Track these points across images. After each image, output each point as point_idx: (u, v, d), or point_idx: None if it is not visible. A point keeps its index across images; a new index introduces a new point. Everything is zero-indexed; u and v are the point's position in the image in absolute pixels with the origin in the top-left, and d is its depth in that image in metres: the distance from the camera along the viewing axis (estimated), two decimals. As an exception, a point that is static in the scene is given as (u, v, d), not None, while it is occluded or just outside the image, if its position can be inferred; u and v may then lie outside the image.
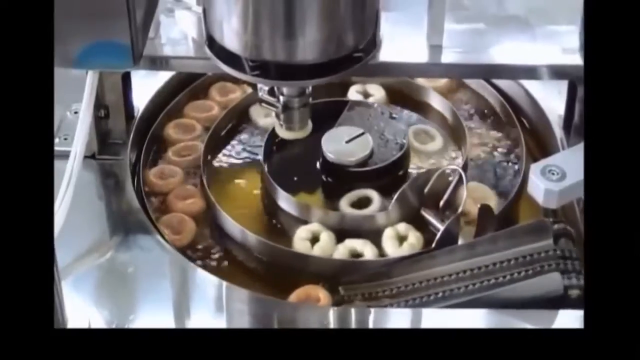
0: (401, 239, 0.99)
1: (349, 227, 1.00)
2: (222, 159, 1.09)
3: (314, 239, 0.99)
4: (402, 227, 1.00)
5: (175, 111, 1.13)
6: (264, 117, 1.11)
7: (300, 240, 0.99)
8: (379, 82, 1.15)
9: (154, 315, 0.91)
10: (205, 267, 0.97)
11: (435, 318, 0.90)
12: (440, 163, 1.07)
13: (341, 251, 0.98)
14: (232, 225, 1.00)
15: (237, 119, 1.13)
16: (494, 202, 1.02)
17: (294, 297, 0.93)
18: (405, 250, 0.98)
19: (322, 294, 0.93)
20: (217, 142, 1.10)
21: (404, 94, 1.15)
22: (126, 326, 0.89)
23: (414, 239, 0.98)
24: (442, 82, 1.15)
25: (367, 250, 0.98)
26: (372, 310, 0.91)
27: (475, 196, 1.02)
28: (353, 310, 0.91)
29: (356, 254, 0.98)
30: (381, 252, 0.98)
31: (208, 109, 1.13)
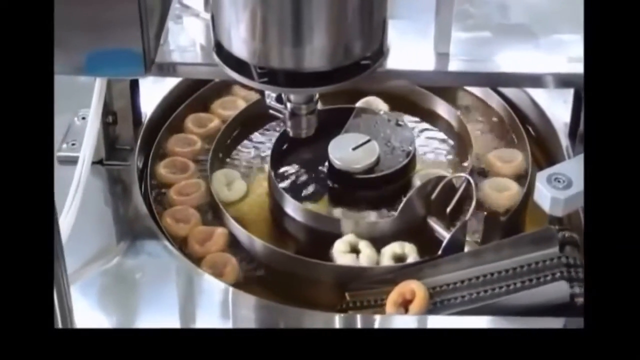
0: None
1: (357, 234, 1.01)
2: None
3: (354, 250, 0.99)
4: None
5: (183, 115, 1.14)
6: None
7: (341, 253, 0.98)
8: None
9: (160, 321, 0.91)
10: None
11: (441, 325, 0.90)
12: (447, 170, 1.07)
13: (386, 257, 0.98)
14: (242, 234, 1.01)
15: (230, 141, 1.12)
16: (515, 190, 1.03)
17: (392, 296, 0.93)
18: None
19: (415, 286, 0.92)
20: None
21: (410, 101, 1.15)
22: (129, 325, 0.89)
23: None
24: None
25: (408, 249, 0.98)
26: (378, 317, 0.91)
27: (495, 185, 1.04)
28: (358, 317, 0.91)
29: (399, 257, 0.98)
30: (421, 252, 0.98)
31: (191, 142, 1.11)
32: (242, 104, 1.14)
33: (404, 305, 0.92)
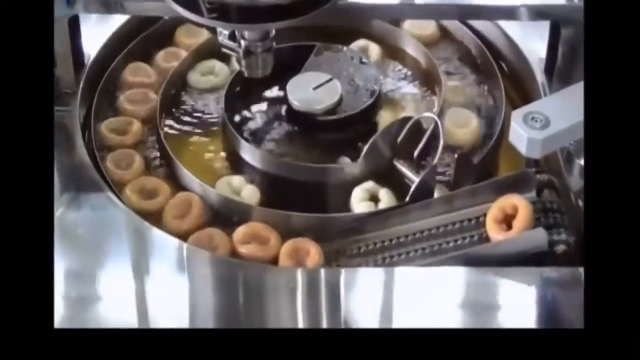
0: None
1: (318, 180, 0.96)
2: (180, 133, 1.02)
3: (373, 198, 0.94)
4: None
5: (130, 57, 1.08)
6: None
7: (360, 202, 0.93)
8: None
9: (108, 276, 0.86)
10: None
11: (410, 278, 0.85)
12: (415, 111, 1.02)
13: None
14: (197, 185, 0.95)
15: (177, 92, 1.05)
16: (475, 124, 1.00)
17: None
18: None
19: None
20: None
21: (376, 38, 1.10)
22: (77, 287, 0.84)
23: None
24: (427, 33, 1.10)
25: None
26: (343, 270, 0.86)
27: (454, 119, 1.00)
28: (322, 272, 0.86)
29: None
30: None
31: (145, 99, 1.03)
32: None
33: (506, 221, 0.87)
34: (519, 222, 0.86)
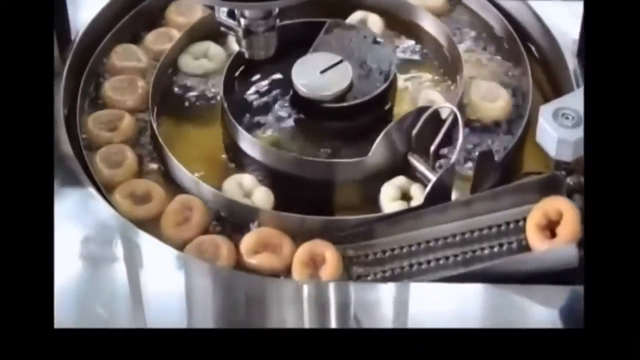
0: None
1: (325, 177, 0.90)
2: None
3: (404, 196, 0.87)
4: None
5: (118, 37, 1.02)
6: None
7: (390, 200, 0.87)
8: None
9: (91, 277, 0.82)
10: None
11: (425, 295, 0.79)
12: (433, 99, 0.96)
13: None
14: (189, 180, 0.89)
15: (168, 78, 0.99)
16: (506, 99, 0.94)
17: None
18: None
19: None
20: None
21: (391, 15, 1.03)
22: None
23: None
24: (438, 2, 1.05)
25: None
26: (352, 284, 0.81)
27: (482, 93, 0.95)
28: (331, 286, 0.80)
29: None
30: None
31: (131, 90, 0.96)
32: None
33: (550, 228, 0.80)
34: (564, 230, 0.79)
